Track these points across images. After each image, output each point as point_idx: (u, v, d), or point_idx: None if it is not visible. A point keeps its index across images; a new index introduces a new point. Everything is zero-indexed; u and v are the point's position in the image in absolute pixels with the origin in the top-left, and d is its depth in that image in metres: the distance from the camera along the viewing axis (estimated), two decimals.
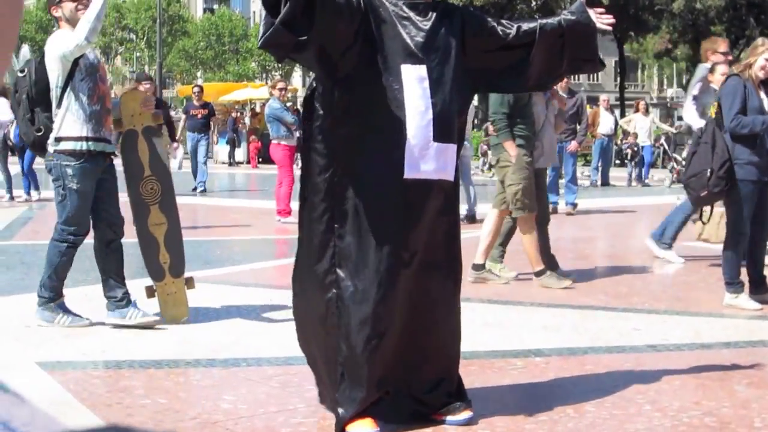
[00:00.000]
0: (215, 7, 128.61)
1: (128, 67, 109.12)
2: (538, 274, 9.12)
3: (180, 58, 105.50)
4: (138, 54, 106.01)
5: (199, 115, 21.47)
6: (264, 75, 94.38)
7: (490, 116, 9.32)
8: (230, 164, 34.55)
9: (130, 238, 7.55)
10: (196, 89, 23.13)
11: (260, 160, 33.23)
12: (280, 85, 15.48)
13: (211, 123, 23.18)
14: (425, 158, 4.31)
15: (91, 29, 6.83)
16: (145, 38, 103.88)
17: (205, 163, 21.40)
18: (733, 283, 8.16)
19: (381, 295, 4.28)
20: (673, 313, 8.03)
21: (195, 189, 20.63)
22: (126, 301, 7.14)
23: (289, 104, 16.55)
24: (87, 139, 7.02)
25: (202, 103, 22.08)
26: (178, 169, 19.73)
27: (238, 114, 36.98)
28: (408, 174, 4.29)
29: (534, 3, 55.80)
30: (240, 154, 35.62)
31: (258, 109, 35.42)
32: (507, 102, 9.00)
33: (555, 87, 9.40)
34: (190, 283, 7.58)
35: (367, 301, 4.29)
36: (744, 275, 8.28)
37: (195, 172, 21.13)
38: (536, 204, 9.19)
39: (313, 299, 4.50)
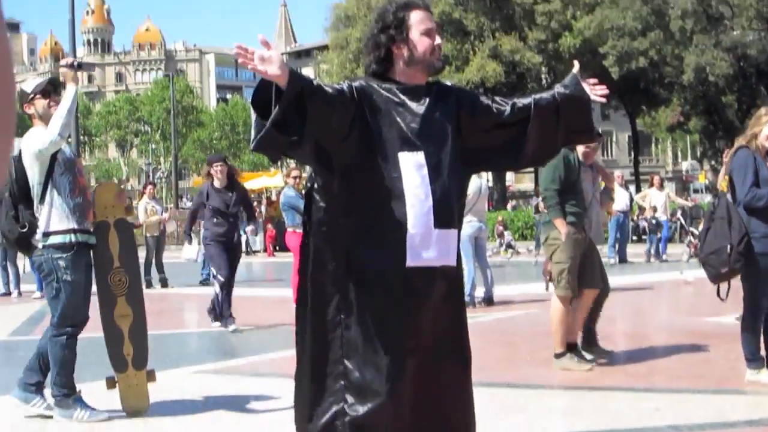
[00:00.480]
0: (228, 96, 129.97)
1: (144, 159, 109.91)
2: (558, 355, 9.06)
3: (195, 149, 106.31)
4: (153, 146, 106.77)
5: None
6: (279, 163, 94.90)
7: (541, 193, 9.30)
8: (247, 253, 34.59)
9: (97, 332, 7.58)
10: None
11: (276, 248, 33.30)
12: (295, 173, 15.56)
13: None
14: (427, 246, 4.27)
15: (63, 124, 6.97)
16: (159, 130, 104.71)
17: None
18: (753, 359, 8.08)
19: (389, 387, 4.22)
20: (695, 391, 7.96)
21: (206, 280, 19.59)
22: (36, 389, 7.21)
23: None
24: (74, 231, 7.14)
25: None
26: (195, 261, 19.43)
27: (254, 203, 37.13)
28: (410, 262, 4.24)
29: (545, 81, 56.29)
30: (257, 242, 35.70)
31: (274, 197, 35.55)
32: (558, 178, 9.01)
33: (589, 164, 9.45)
34: (151, 375, 7.60)
35: (375, 392, 4.23)
36: (764, 350, 8.21)
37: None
38: (595, 281, 9.24)
39: (319, 392, 4.43)
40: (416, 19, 4.43)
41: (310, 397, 4.48)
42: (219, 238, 12.79)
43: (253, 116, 4.02)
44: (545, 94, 4.61)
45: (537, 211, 14.79)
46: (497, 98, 4.65)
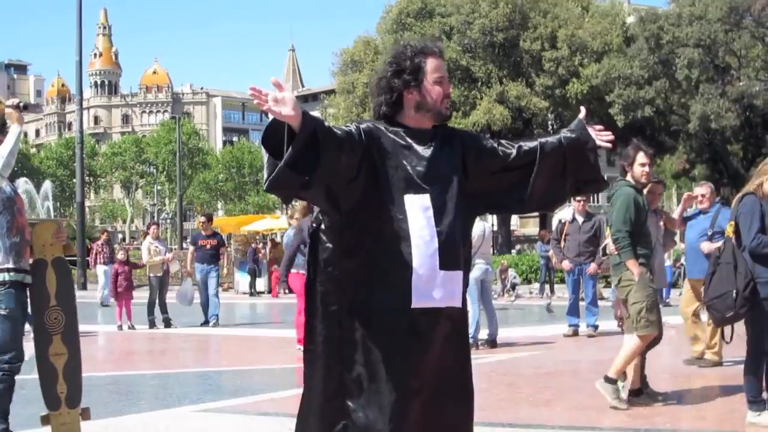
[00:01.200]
0: (234, 139, 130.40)
1: (149, 200, 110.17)
2: (609, 380, 9.04)
3: (200, 191, 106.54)
4: (158, 187, 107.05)
5: (208, 246, 20.64)
6: (284, 205, 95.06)
7: (612, 234, 9.28)
8: (251, 294, 34.66)
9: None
10: (203, 219, 22.14)
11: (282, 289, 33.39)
12: (298, 215, 15.61)
13: (221, 253, 22.30)
14: (432, 287, 4.27)
15: (4, 164, 7.04)
16: (165, 171, 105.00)
17: (216, 294, 20.53)
18: (755, 401, 8.09)
19: (392, 426, 4.21)
20: None
21: (207, 322, 20.01)
22: None
23: None
24: (8, 270, 7.18)
25: (211, 233, 21.24)
26: (189, 304, 20.19)
27: (259, 244, 37.20)
28: (416, 303, 4.25)
29: (551, 126, 56.49)
30: (261, 284, 35.75)
31: (278, 239, 35.61)
32: (629, 220, 9.04)
33: (653, 208, 9.52)
34: (85, 414, 7.59)
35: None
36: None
37: (205, 305, 20.34)
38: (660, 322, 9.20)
39: (322, 428, 4.42)
40: (431, 67, 4.47)
41: None
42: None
43: (265, 156, 4.04)
44: (551, 138, 4.62)
45: (605, 253, 14.71)
46: (503, 141, 4.68)
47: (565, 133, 4.65)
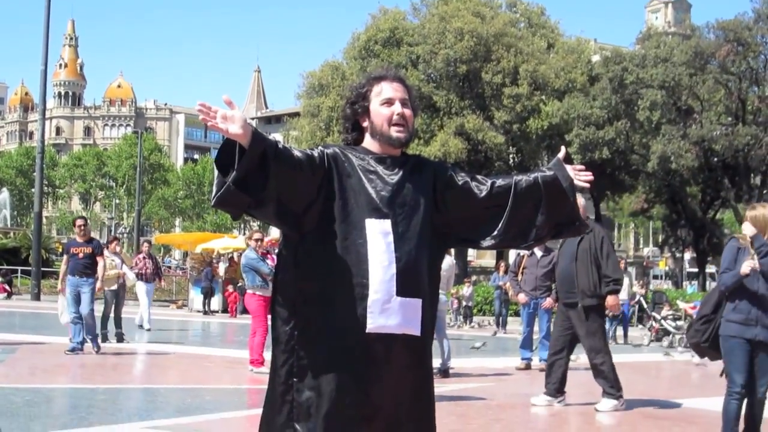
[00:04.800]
0: (196, 156, 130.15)
1: (107, 213, 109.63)
2: None
3: (159, 206, 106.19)
4: (117, 201, 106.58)
5: (81, 254, 17.17)
6: (242, 225, 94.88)
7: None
8: (205, 313, 34.47)
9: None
10: (80, 221, 18.03)
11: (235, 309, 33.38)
12: (257, 235, 15.62)
13: (98, 262, 17.38)
14: (388, 312, 4.21)
15: None
16: (124, 185, 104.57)
17: (91, 314, 17.04)
18: None
19: None
20: None
21: (77, 348, 16.59)
22: None
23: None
24: None
25: (87, 239, 17.58)
26: (64, 323, 17.34)
27: (215, 263, 37.03)
28: (370, 328, 4.20)
29: (512, 161, 56.80)
30: (215, 302, 35.60)
31: (237, 258, 35.53)
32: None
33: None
34: None
35: None
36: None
37: (76, 322, 16.73)
38: None
39: None
40: (376, 91, 4.44)
41: None
42: None
43: (216, 173, 4.01)
44: (527, 177, 4.53)
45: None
46: (478, 177, 4.57)
47: (542, 171, 4.56)
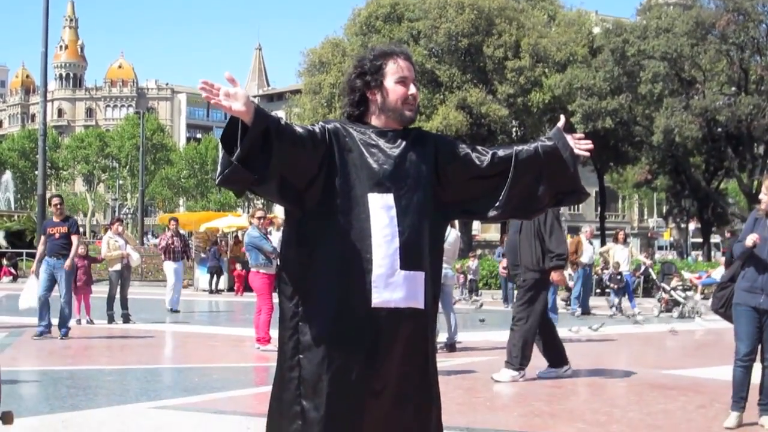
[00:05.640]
0: (198, 136, 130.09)
1: (111, 194, 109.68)
2: None
3: (162, 186, 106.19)
4: (120, 182, 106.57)
5: (57, 234, 16.39)
6: (246, 204, 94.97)
7: None
8: (211, 292, 34.46)
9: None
10: (56, 200, 17.15)
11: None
12: (259, 213, 15.59)
13: (74, 242, 16.48)
14: (392, 286, 4.22)
15: None
16: (128, 166, 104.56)
17: (68, 300, 16.27)
18: (732, 402, 8.60)
19: (350, 428, 4.18)
20: None
21: (44, 332, 16.01)
22: None
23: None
24: None
25: (63, 218, 16.67)
26: (23, 308, 16.84)
27: (221, 242, 36.97)
28: (375, 303, 4.21)
29: (515, 134, 56.70)
30: (222, 282, 35.58)
31: (241, 237, 35.45)
32: None
33: None
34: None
35: None
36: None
37: (44, 307, 16.14)
38: None
39: (280, 429, 4.37)
40: (392, 68, 4.43)
41: None
42: None
43: (221, 152, 4.02)
44: (527, 147, 4.54)
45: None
46: (479, 147, 4.58)
47: (542, 141, 4.57)
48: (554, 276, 11.60)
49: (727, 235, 51.02)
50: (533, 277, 11.54)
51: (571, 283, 25.12)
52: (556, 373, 11.72)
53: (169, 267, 23.65)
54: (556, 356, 11.85)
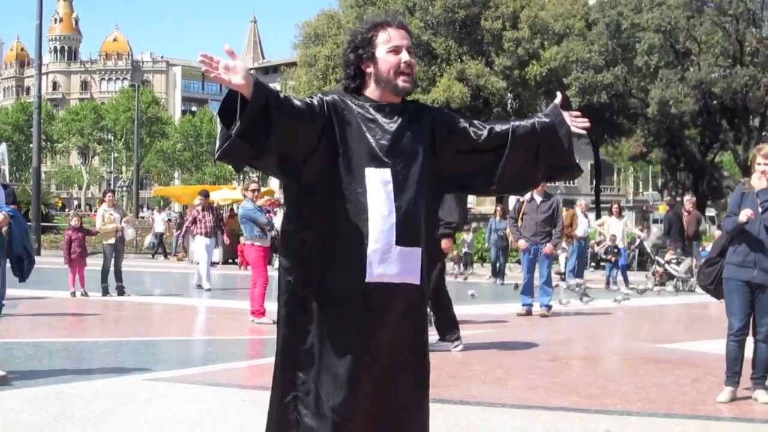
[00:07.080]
0: (194, 109, 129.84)
1: (106, 167, 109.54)
2: None
3: (157, 159, 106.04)
4: (116, 155, 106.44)
5: None
6: (241, 177, 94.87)
7: None
8: None
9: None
10: None
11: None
12: (253, 186, 15.59)
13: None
14: (388, 261, 4.23)
15: None
16: (123, 139, 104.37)
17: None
18: (726, 377, 8.64)
19: (342, 399, 4.18)
20: (645, 414, 8.02)
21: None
22: None
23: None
24: None
25: None
26: None
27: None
28: (370, 278, 4.21)
29: (510, 106, 56.59)
30: (216, 254, 35.51)
31: (236, 210, 35.38)
32: None
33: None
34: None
35: (327, 405, 4.20)
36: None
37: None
38: None
39: (275, 402, 4.39)
40: (383, 38, 4.40)
41: (270, 407, 4.44)
42: None
43: (219, 126, 4.01)
44: (524, 122, 4.56)
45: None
46: (476, 122, 4.60)
47: (539, 117, 4.59)
48: (443, 243, 11.60)
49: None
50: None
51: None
52: (444, 346, 11.66)
53: (201, 243, 22.17)
54: (447, 329, 11.89)
